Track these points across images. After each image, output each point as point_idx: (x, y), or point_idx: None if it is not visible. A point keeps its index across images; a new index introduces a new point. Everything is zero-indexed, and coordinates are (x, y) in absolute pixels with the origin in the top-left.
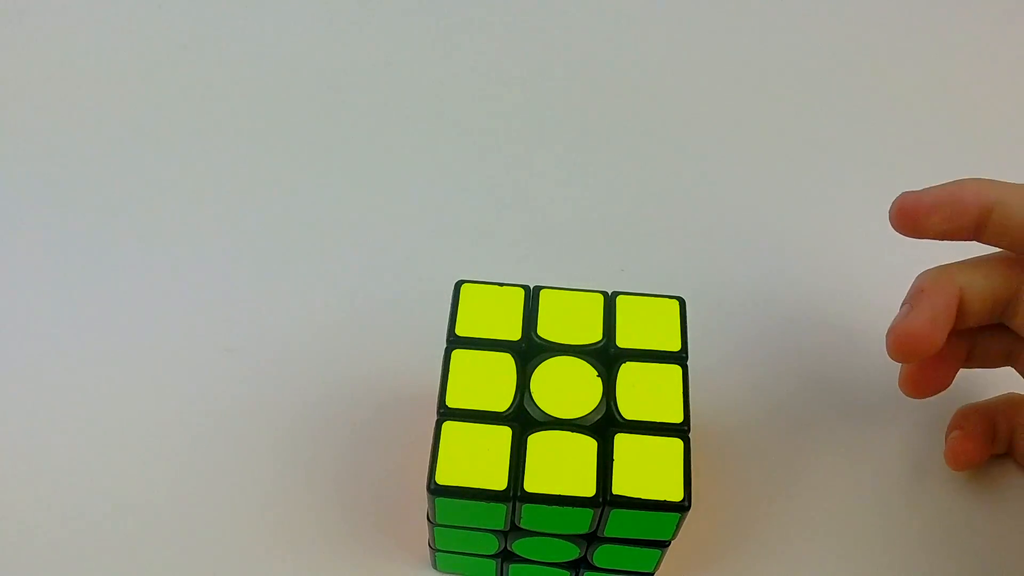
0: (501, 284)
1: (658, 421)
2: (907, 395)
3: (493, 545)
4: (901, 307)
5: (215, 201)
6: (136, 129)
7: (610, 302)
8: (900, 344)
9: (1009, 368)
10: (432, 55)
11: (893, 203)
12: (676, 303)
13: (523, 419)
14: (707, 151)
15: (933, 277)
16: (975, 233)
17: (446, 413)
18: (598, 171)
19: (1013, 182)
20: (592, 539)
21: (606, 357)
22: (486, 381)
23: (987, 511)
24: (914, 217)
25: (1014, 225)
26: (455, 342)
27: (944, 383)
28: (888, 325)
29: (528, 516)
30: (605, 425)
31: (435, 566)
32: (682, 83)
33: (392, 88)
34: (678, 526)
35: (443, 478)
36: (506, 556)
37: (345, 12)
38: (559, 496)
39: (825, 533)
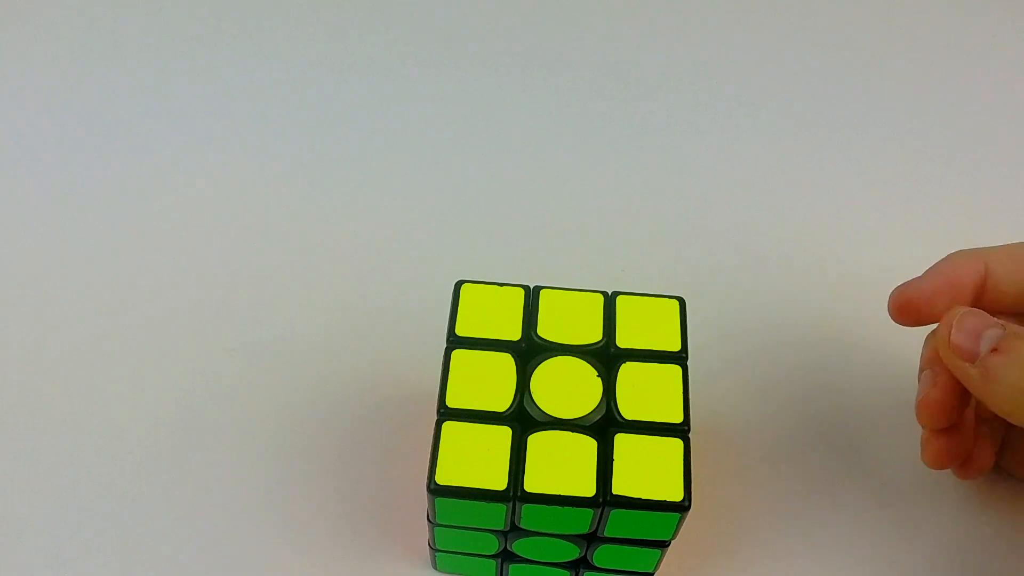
0: (501, 284)
1: (658, 421)
2: (930, 467)
3: (493, 545)
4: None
5: (216, 201)
6: (136, 128)
7: (610, 302)
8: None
9: None
10: (432, 55)
11: (890, 298)
12: (676, 303)
13: (523, 419)
14: (707, 151)
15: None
16: (974, 304)
17: (446, 413)
18: (598, 171)
19: (999, 245)
20: (592, 539)
21: (606, 357)
22: (486, 381)
23: (995, 513)
24: (916, 311)
25: (1007, 293)
26: (455, 342)
27: (968, 455)
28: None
29: (528, 516)
30: (605, 425)
31: (435, 566)
32: (683, 83)
33: (393, 88)
34: (678, 526)
35: (443, 478)
36: (506, 556)
37: (346, 13)
38: (559, 496)
39: (825, 533)
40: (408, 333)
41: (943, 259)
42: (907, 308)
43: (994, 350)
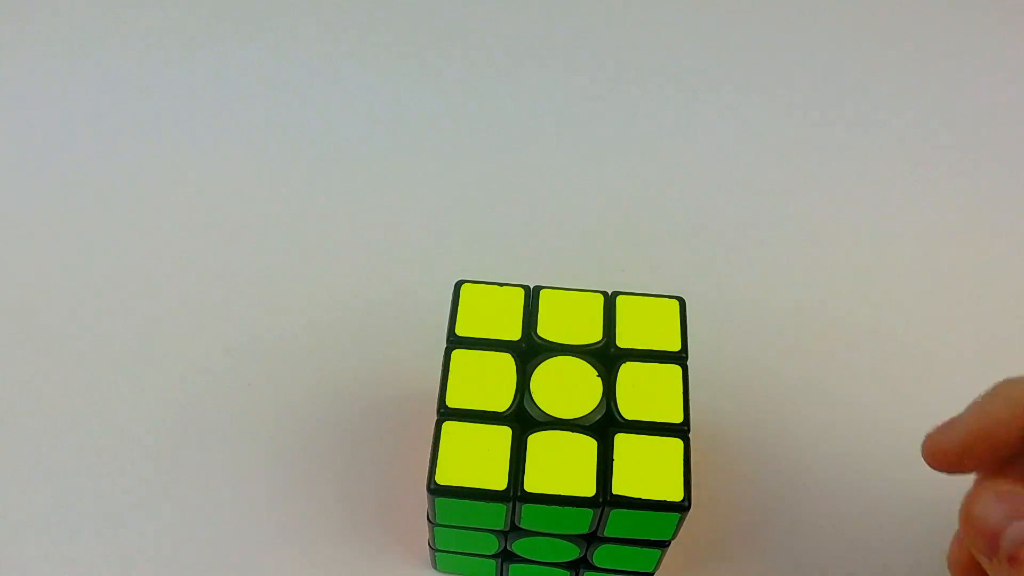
0: (501, 284)
1: (658, 421)
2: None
3: (493, 545)
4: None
5: (215, 201)
6: (136, 127)
7: (610, 302)
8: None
9: None
10: (433, 55)
11: (924, 443)
12: (676, 303)
13: (523, 419)
14: (708, 152)
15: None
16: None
17: (446, 413)
18: (598, 171)
19: None
20: (592, 539)
21: (606, 357)
22: (486, 381)
23: None
24: (951, 463)
25: None
26: (455, 342)
27: None
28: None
29: (528, 516)
30: (605, 425)
31: (435, 566)
32: (683, 84)
33: (393, 87)
34: (678, 526)
35: (443, 478)
36: (506, 556)
37: (346, 12)
38: (559, 496)
39: (825, 533)
40: (408, 333)
41: (984, 397)
42: (941, 459)
43: (1012, 558)
